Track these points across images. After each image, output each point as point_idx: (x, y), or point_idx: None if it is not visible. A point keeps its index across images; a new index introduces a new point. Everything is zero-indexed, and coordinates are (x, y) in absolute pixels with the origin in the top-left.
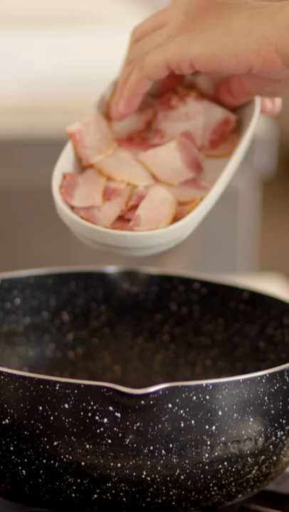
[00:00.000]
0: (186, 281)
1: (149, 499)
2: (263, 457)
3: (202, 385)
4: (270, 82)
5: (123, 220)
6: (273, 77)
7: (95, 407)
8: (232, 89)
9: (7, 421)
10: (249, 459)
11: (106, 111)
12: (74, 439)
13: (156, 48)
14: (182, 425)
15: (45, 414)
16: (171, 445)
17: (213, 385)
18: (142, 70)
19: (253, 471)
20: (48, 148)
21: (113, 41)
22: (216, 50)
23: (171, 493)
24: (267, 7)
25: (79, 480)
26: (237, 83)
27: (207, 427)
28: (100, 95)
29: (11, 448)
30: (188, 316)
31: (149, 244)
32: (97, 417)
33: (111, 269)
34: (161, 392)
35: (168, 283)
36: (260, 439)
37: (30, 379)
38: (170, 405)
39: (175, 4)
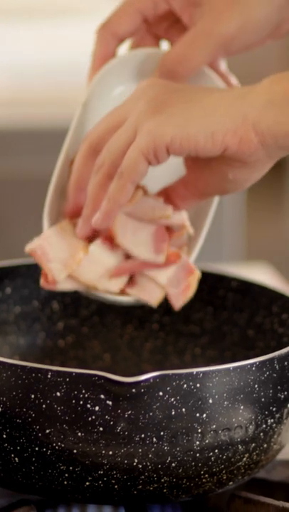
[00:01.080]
0: None
1: (140, 487)
2: (253, 445)
3: (193, 373)
4: (237, 167)
5: None
6: (246, 159)
7: (86, 395)
8: (182, 191)
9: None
10: (240, 447)
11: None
12: (66, 427)
13: (127, 144)
14: (173, 413)
15: (37, 402)
16: (162, 433)
17: (204, 373)
18: (122, 176)
19: (244, 459)
20: (35, 138)
21: None
22: (192, 131)
23: (162, 480)
24: (234, 90)
25: (71, 467)
26: (191, 182)
27: (198, 414)
28: (47, 204)
29: (4, 436)
30: None
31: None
32: (88, 405)
33: None
34: (152, 381)
35: None
36: (250, 426)
37: (23, 367)
38: (161, 393)
39: (131, 98)
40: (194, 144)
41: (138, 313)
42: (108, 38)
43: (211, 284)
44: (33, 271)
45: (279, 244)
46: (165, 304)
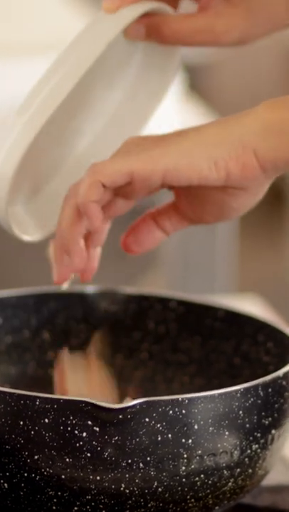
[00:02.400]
0: (163, 300)
1: (128, 511)
2: (238, 470)
3: (178, 399)
4: (235, 194)
5: None
6: (248, 184)
7: (74, 422)
8: (173, 215)
9: None
10: (225, 472)
11: None
12: (54, 453)
13: (116, 158)
14: (159, 439)
15: (25, 428)
16: (148, 458)
17: (189, 399)
18: (94, 174)
19: (229, 484)
20: None
21: None
22: (194, 159)
23: (149, 505)
24: (230, 118)
25: (59, 493)
26: (183, 209)
27: (184, 440)
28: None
29: None
30: (165, 334)
31: None
32: (76, 431)
33: (90, 288)
34: (138, 407)
35: (145, 302)
36: (235, 452)
37: (11, 394)
38: (147, 419)
39: (123, 144)
40: (198, 172)
41: (127, 342)
42: None
43: (198, 314)
44: (24, 301)
45: (271, 277)
46: (154, 333)
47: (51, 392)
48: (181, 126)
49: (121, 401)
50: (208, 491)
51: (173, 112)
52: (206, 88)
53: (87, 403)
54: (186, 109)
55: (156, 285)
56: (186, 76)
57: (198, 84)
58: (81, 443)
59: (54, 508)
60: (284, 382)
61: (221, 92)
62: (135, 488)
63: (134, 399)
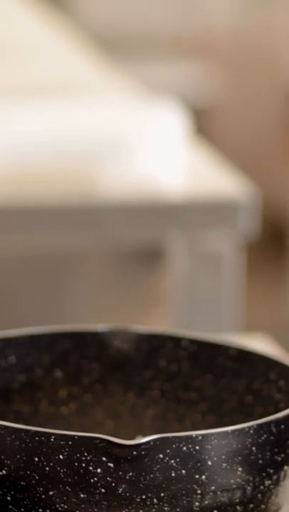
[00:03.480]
0: (175, 339)
1: None
2: (251, 505)
3: (192, 435)
4: None
5: None
6: None
7: (88, 458)
8: None
9: (4, 472)
10: (238, 507)
11: None
12: (69, 489)
13: None
14: (173, 475)
15: (40, 465)
16: (162, 494)
17: (203, 436)
18: None
19: None
20: (36, 216)
21: (102, 111)
22: None
23: None
24: None
25: None
26: None
27: (197, 476)
28: None
29: (8, 498)
30: (177, 373)
31: None
32: (90, 467)
33: (102, 327)
34: (152, 443)
35: (157, 341)
36: (248, 487)
37: (26, 431)
38: (161, 455)
39: None
40: None
41: (139, 380)
42: None
43: (210, 353)
44: (37, 340)
45: (278, 316)
46: (166, 371)
47: (63, 430)
48: (189, 169)
49: (133, 439)
50: None
51: (180, 155)
52: (211, 131)
53: (102, 440)
54: (193, 153)
55: (162, 324)
56: (193, 120)
57: (204, 128)
58: (95, 479)
59: None
60: None
61: (226, 135)
62: None
63: (146, 436)
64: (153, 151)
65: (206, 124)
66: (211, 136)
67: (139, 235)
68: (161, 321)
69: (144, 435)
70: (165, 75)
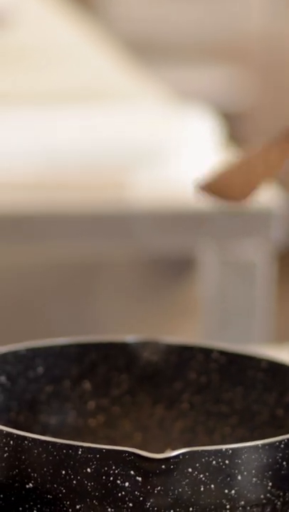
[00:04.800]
0: (205, 351)
1: None
2: None
3: (222, 449)
4: None
5: None
6: None
7: (116, 471)
8: None
9: (31, 485)
10: None
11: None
12: (96, 503)
13: None
14: (202, 489)
15: (67, 478)
16: (191, 509)
17: (233, 449)
18: None
19: None
20: (67, 223)
21: (133, 118)
22: None
23: None
24: None
25: None
26: None
27: (227, 491)
28: None
29: (35, 511)
30: (207, 385)
31: None
32: (118, 481)
33: (131, 338)
34: (181, 457)
35: (187, 352)
36: (278, 503)
37: (54, 444)
38: (190, 469)
39: None
40: None
41: (168, 392)
42: None
43: (241, 365)
44: (65, 351)
45: None
46: (196, 383)
47: (91, 442)
48: None
49: (161, 452)
50: None
51: (212, 162)
52: (243, 136)
53: (130, 453)
54: (224, 157)
55: (193, 335)
56: (224, 125)
57: (236, 133)
58: (123, 493)
59: None
60: None
61: (258, 140)
62: None
63: (174, 449)
64: (185, 158)
65: (237, 130)
66: (242, 142)
67: (170, 243)
68: (191, 331)
69: (173, 448)
70: (196, 80)
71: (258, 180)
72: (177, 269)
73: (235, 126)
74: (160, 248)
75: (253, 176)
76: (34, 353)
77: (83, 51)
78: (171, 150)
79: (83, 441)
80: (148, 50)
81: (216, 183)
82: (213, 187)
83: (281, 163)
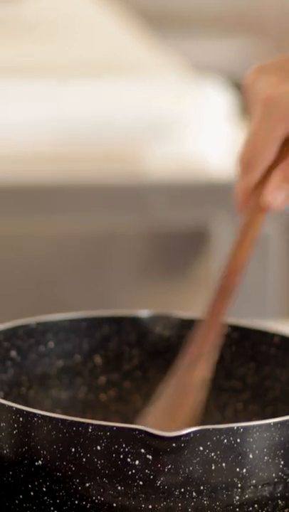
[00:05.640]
0: None
1: None
2: None
3: (233, 428)
4: None
5: None
6: None
7: (126, 449)
8: None
9: (40, 462)
10: (280, 502)
11: None
12: (106, 481)
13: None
14: (213, 467)
15: (77, 455)
16: (202, 487)
17: (244, 428)
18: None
19: None
20: (81, 195)
21: (148, 91)
22: None
23: None
24: None
25: None
26: None
27: (238, 469)
28: None
29: (44, 489)
30: (219, 360)
31: None
32: (128, 459)
33: (143, 313)
34: (192, 435)
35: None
36: None
37: (63, 421)
38: (201, 448)
39: None
40: None
41: None
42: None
43: (254, 340)
44: (76, 325)
45: None
46: None
47: (102, 418)
48: (236, 149)
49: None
50: None
51: (227, 134)
52: None
53: (140, 431)
54: (240, 131)
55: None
56: (240, 97)
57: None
58: (133, 471)
59: None
60: None
61: None
62: None
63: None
64: (199, 130)
65: None
66: None
67: (184, 216)
68: (205, 303)
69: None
70: (212, 51)
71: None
72: (191, 242)
73: None
74: (174, 221)
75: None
76: (45, 328)
77: (99, 23)
78: (186, 122)
79: (94, 417)
80: (163, 21)
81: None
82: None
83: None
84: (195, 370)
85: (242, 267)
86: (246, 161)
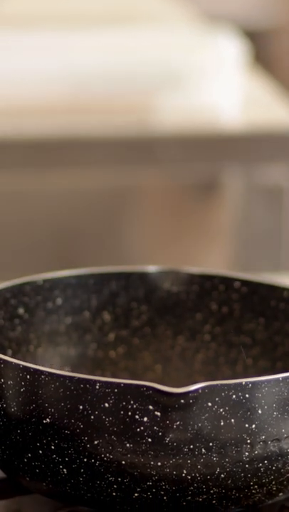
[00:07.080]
0: (227, 281)
1: (189, 498)
2: None
3: (242, 383)
4: None
5: None
6: None
7: (134, 406)
8: None
9: (48, 420)
10: None
11: None
12: (114, 438)
13: None
14: (222, 424)
15: (85, 413)
16: (211, 444)
17: (253, 383)
18: None
19: None
20: (93, 148)
21: (159, 41)
22: None
23: (211, 491)
24: None
25: (119, 479)
26: None
27: (247, 425)
28: None
29: (52, 447)
30: (228, 316)
31: None
32: (137, 416)
33: (152, 268)
34: (200, 391)
35: (208, 282)
36: None
37: (71, 378)
38: (210, 404)
39: None
40: None
41: (189, 324)
42: None
43: (263, 295)
44: (84, 281)
45: None
46: (217, 314)
47: (111, 375)
48: (248, 99)
49: (182, 384)
50: (272, 477)
51: (238, 85)
52: (270, 55)
53: (148, 387)
54: (252, 82)
55: (219, 264)
56: (251, 44)
57: (263, 52)
58: (142, 428)
59: (114, 494)
60: None
61: (285, 58)
62: (197, 474)
63: (196, 382)
64: (210, 81)
65: (264, 48)
66: (269, 60)
67: (195, 168)
68: (218, 256)
69: (194, 380)
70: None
71: None
72: (203, 194)
73: (262, 44)
74: (185, 172)
75: None
76: (52, 284)
77: None
78: (198, 73)
79: (103, 374)
80: None
81: None
82: None
83: None
84: None
85: None
86: None
